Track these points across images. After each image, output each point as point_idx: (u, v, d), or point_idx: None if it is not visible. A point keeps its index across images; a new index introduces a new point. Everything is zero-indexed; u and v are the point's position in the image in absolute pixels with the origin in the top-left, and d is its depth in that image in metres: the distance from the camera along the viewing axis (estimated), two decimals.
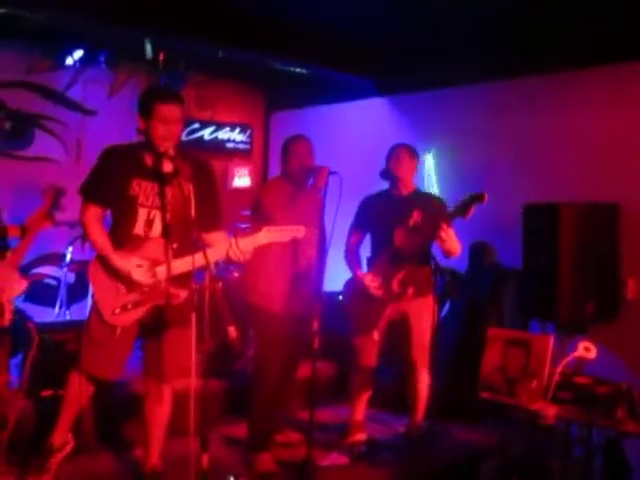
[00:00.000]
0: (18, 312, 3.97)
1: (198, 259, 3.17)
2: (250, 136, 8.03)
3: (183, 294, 3.32)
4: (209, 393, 3.25)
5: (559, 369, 3.51)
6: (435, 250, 4.18)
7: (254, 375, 4.22)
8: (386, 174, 4.44)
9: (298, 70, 6.70)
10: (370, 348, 4.36)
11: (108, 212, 3.46)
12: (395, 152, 4.42)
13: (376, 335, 4.34)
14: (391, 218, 4.28)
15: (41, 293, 6.18)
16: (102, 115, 6.86)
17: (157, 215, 3.37)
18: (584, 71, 5.26)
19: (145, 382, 3.62)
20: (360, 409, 4.53)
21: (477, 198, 3.88)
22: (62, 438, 3.56)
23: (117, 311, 3.34)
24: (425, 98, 6.46)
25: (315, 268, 4.01)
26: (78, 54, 6.46)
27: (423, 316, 4.27)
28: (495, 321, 5.21)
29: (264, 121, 8.30)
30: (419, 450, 4.38)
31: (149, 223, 3.38)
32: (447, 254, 4.17)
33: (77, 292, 6.13)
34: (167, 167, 3.32)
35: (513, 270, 5.30)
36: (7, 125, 6.27)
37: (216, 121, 7.76)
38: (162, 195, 3.36)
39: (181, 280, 3.29)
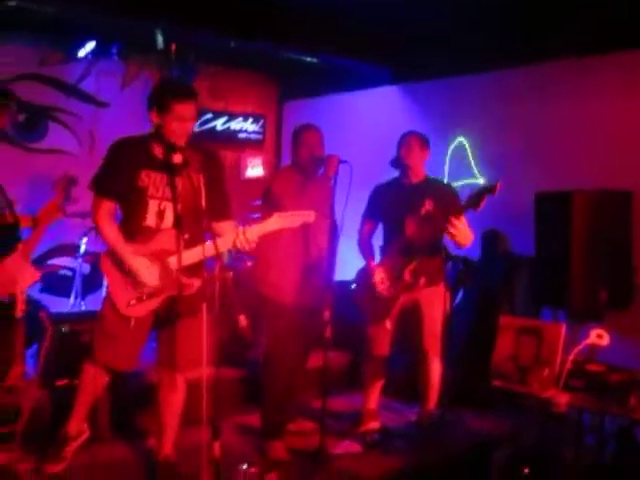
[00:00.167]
0: (32, 302, 3.99)
1: (208, 249, 3.19)
2: (263, 126, 8.02)
3: (197, 283, 3.33)
4: (223, 382, 3.26)
5: (571, 357, 3.51)
6: (447, 239, 4.17)
7: (265, 367, 4.23)
8: (396, 162, 4.43)
9: (310, 59, 6.67)
10: (383, 337, 4.37)
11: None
12: (406, 140, 4.41)
13: (389, 324, 4.35)
14: (402, 207, 4.27)
15: (57, 284, 6.25)
16: (115, 107, 6.88)
17: (168, 206, 3.38)
18: (596, 58, 5.21)
19: (158, 371, 3.65)
20: (373, 398, 4.54)
21: (489, 189, 3.86)
22: (77, 427, 3.60)
23: (132, 302, 3.36)
24: (438, 86, 6.42)
25: (326, 258, 4.02)
26: (90, 46, 6.45)
27: (435, 304, 4.27)
28: (507, 309, 5.20)
29: (277, 111, 8.28)
30: (431, 438, 4.39)
31: (160, 214, 3.39)
32: (458, 245, 4.16)
33: (92, 283, 6.16)
34: (177, 158, 3.34)
35: (525, 258, 5.29)
36: (21, 117, 6.31)
37: (229, 111, 7.75)
38: (173, 186, 3.37)
39: (194, 270, 3.31)
